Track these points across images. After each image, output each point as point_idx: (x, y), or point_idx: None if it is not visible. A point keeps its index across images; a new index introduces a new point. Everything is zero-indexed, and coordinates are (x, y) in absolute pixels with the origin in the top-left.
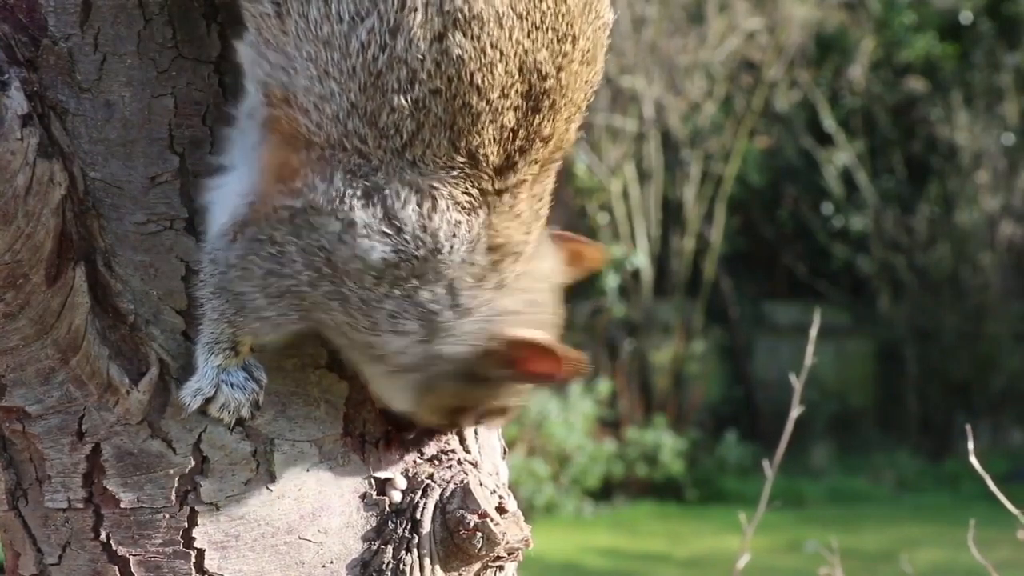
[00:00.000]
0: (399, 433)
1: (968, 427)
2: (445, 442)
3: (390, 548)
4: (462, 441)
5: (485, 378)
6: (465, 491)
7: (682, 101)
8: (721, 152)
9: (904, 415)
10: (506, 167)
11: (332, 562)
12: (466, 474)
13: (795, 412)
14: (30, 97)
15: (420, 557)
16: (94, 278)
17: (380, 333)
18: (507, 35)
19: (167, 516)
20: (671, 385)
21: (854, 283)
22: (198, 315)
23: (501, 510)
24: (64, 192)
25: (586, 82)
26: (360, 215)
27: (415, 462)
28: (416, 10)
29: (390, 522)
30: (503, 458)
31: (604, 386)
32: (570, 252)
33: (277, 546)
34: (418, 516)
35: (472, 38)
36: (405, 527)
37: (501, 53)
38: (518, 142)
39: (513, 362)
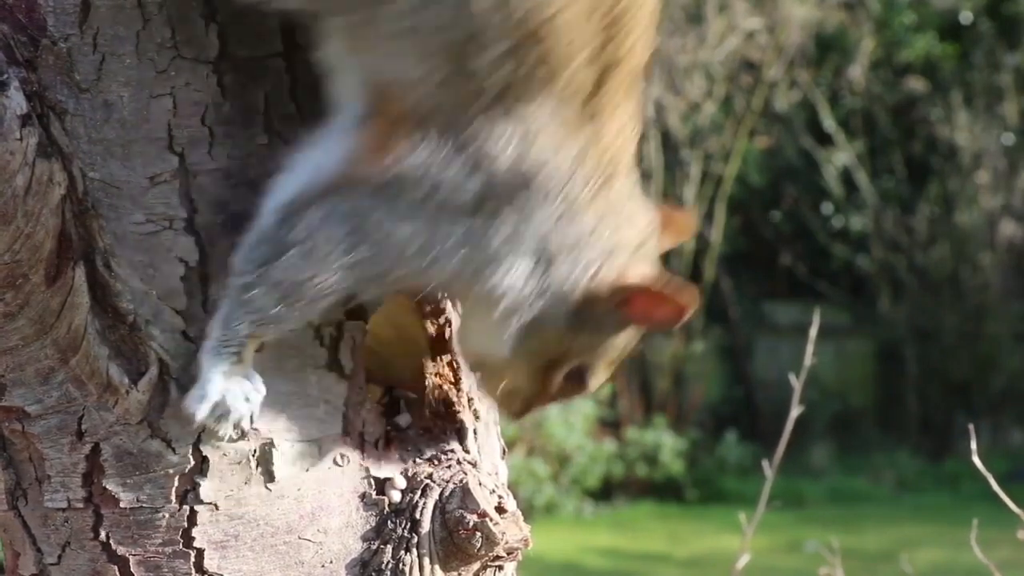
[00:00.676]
0: (398, 433)
1: (971, 427)
2: (444, 442)
3: (389, 548)
4: (461, 441)
5: (593, 321)
6: (464, 491)
7: (682, 101)
8: (721, 152)
9: (904, 415)
10: (598, 87)
11: (331, 562)
12: (465, 474)
13: (795, 412)
14: (29, 97)
15: (419, 557)
16: (94, 278)
17: (495, 270)
18: None
19: (166, 516)
20: (671, 385)
21: (854, 283)
22: (209, 313)
23: (500, 510)
24: (63, 192)
25: None
26: (468, 154)
27: (414, 462)
28: None
29: (389, 522)
30: (502, 458)
31: (604, 386)
32: (662, 217)
33: (276, 546)
34: (417, 516)
35: None
36: (404, 527)
37: None
38: (604, 60)
39: (626, 305)
